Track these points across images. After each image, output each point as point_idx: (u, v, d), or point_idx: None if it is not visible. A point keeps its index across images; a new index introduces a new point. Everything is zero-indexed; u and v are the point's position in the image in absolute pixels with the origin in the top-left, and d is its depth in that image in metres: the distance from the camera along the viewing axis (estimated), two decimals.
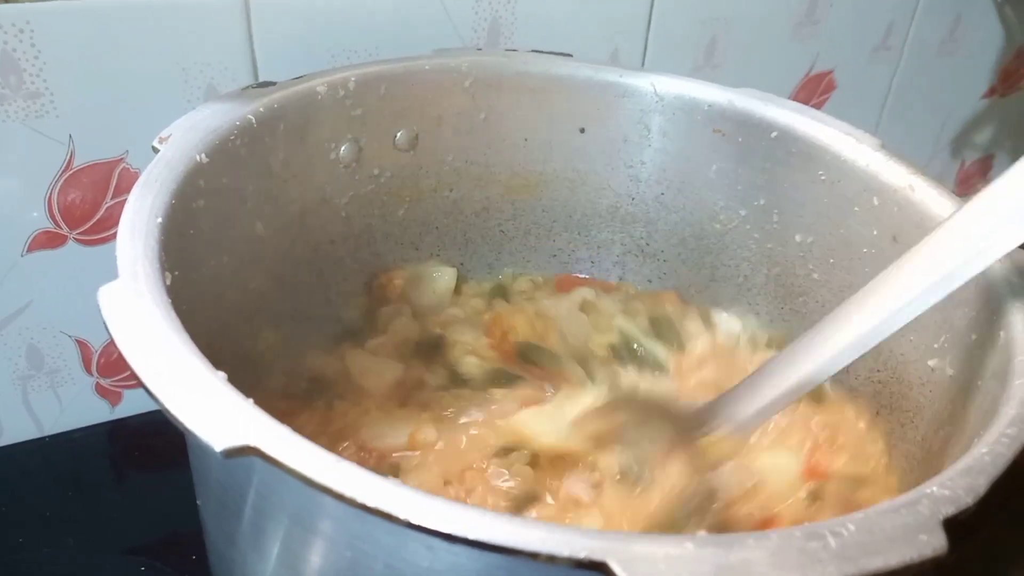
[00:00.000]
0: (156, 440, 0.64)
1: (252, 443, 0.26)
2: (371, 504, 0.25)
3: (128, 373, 0.63)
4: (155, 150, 0.42)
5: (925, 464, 0.42)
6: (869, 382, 0.50)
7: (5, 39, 0.49)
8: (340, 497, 0.25)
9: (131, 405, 0.65)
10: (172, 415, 0.26)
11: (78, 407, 0.63)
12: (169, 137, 0.42)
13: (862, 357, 0.40)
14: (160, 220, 0.37)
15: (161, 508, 0.59)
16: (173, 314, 0.32)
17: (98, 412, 0.64)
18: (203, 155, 0.42)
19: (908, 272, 0.38)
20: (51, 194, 0.55)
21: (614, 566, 0.23)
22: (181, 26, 0.53)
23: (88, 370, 0.62)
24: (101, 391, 0.64)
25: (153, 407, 0.70)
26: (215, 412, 0.27)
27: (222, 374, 0.29)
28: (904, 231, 0.47)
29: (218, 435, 0.26)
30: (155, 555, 0.56)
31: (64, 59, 0.51)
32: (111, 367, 0.63)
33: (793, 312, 0.57)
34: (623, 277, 0.65)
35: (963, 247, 0.37)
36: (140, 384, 0.28)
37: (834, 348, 0.40)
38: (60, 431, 0.63)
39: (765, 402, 0.42)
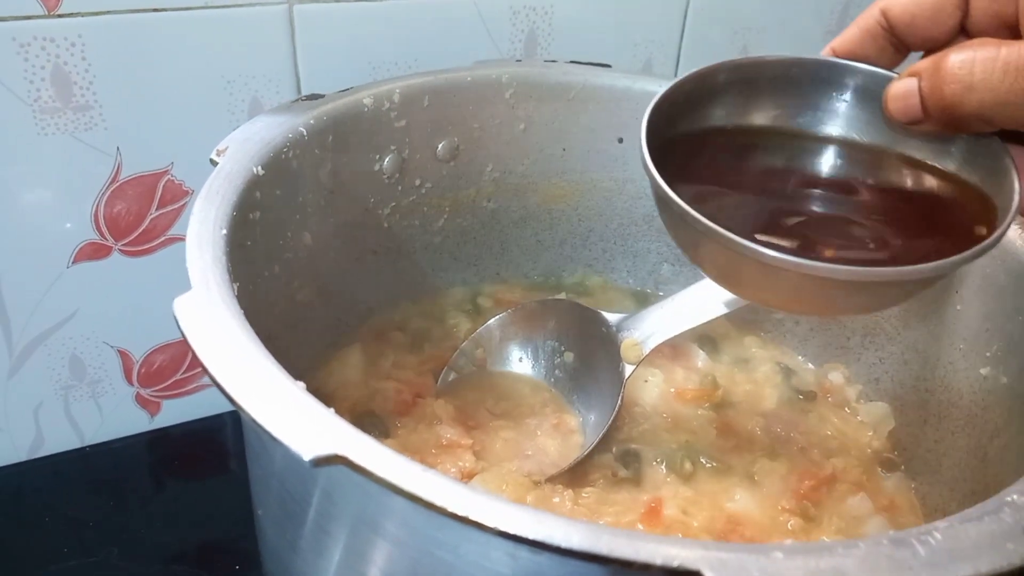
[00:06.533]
0: (195, 450, 0.65)
1: (340, 452, 0.26)
2: (460, 513, 0.25)
3: (169, 383, 0.64)
4: (213, 163, 0.42)
5: (982, 471, 0.42)
6: (915, 390, 0.50)
7: (57, 52, 0.50)
8: (429, 505, 0.25)
9: (170, 415, 0.65)
10: (259, 425, 0.27)
11: (118, 417, 0.64)
12: (226, 149, 0.43)
13: None
14: (224, 232, 0.37)
15: (200, 517, 0.59)
16: (247, 323, 0.32)
17: (138, 422, 0.65)
18: (259, 167, 0.43)
19: None
20: (97, 205, 0.55)
21: (708, 574, 0.23)
22: (227, 39, 0.54)
23: (129, 380, 0.63)
24: (141, 401, 0.64)
25: (192, 417, 0.70)
26: (301, 422, 0.27)
27: (301, 384, 0.29)
28: None
29: (306, 445, 0.26)
30: (196, 564, 0.57)
31: (113, 72, 0.52)
32: (151, 377, 0.63)
33: (832, 322, 0.57)
34: (659, 285, 0.65)
35: None
36: (224, 394, 0.28)
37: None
38: (100, 441, 0.64)
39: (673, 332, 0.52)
